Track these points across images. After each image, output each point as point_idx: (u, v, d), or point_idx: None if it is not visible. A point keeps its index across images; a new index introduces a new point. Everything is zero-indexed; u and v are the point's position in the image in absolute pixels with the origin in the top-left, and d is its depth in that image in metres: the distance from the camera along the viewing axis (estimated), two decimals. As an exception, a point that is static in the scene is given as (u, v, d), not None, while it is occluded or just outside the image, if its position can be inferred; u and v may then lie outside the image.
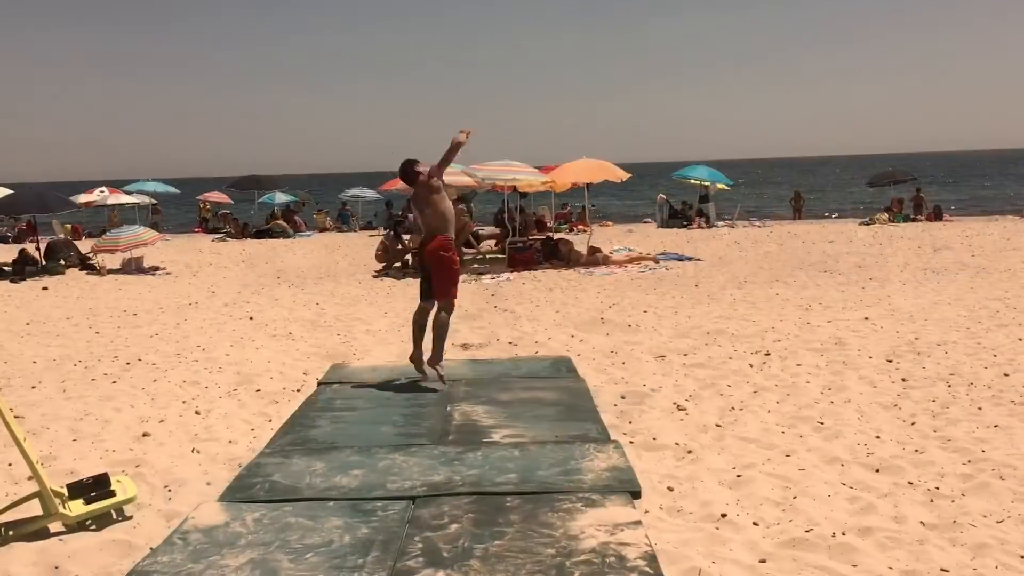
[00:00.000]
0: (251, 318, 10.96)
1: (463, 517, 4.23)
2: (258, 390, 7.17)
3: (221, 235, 26.12)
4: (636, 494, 4.51)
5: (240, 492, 4.69)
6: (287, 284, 14.56)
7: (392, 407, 6.37)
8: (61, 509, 4.31)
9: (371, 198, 31.43)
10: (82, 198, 27.03)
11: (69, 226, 26.43)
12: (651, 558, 3.68)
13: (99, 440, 5.88)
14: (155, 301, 12.90)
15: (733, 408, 6.24)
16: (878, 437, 5.44)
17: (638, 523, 4.07)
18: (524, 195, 21.14)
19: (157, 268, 17.22)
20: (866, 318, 9.65)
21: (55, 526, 4.33)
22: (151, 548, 4.05)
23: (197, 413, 6.51)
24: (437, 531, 4.07)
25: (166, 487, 4.95)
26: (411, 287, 13.57)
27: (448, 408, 6.28)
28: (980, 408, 6.03)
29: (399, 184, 19.94)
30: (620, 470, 4.83)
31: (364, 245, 21.76)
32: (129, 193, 29.96)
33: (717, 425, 5.85)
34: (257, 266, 17.79)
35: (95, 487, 4.47)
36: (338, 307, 11.79)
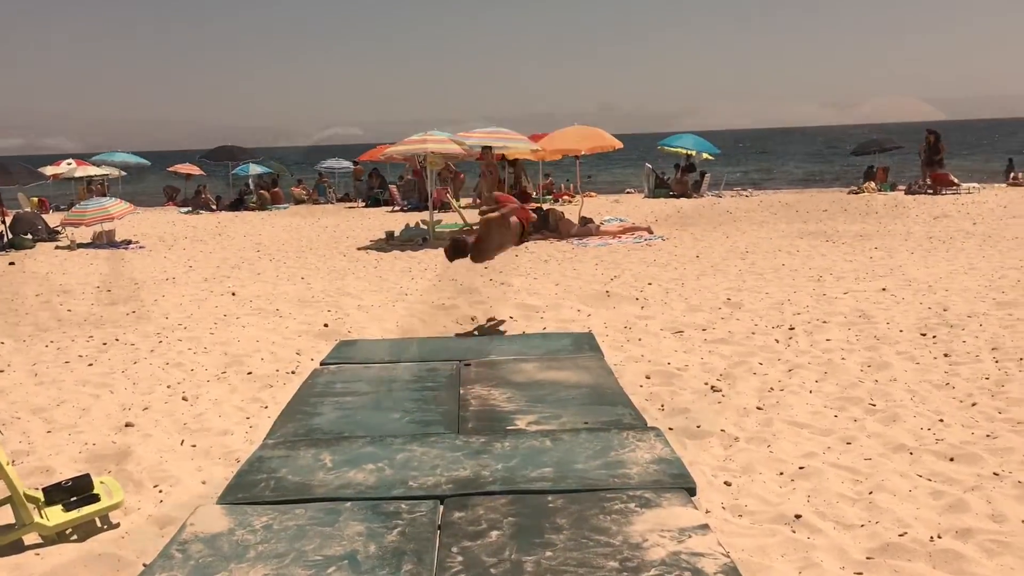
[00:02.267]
0: (233, 294, 10.34)
1: (502, 522, 3.68)
2: (249, 373, 6.60)
3: (188, 209, 25.19)
4: (691, 491, 4.00)
5: (243, 492, 4.11)
6: (268, 258, 13.90)
7: (399, 391, 5.78)
8: (37, 518, 3.73)
9: (348, 169, 30.63)
10: (49, 170, 26.06)
11: (36, 199, 25.46)
12: (732, 570, 3.17)
13: (77, 431, 5.29)
14: (129, 276, 12.22)
15: (772, 389, 5.76)
16: (941, 420, 4.97)
17: (705, 527, 3.55)
18: (513, 163, 20.48)
19: (130, 242, 16.46)
20: (884, 289, 9.21)
21: (30, 538, 3.76)
22: (144, 564, 3.49)
23: (184, 399, 5.94)
24: (476, 539, 3.53)
25: (156, 487, 4.39)
26: (398, 260, 13.00)
27: (461, 391, 5.72)
28: (1039, 385, 5.58)
29: (379, 155, 19.26)
30: (668, 462, 4.29)
31: (344, 217, 21.11)
32: (97, 165, 29.01)
33: (759, 408, 5.37)
34: (235, 239, 17.07)
35: (76, 490, 3.91)
36: (324, 281, 11.18)
